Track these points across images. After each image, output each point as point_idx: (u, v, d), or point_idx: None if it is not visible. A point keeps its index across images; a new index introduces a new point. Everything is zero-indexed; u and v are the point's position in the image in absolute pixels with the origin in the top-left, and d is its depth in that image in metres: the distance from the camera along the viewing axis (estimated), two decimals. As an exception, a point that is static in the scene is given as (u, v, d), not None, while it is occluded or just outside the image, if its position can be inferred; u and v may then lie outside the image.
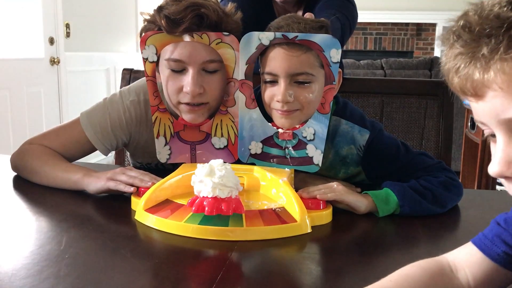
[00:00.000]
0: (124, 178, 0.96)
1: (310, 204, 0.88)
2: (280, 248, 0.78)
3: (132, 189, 0.94)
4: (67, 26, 3.41)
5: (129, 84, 1.57)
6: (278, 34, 0.94)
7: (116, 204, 0.97)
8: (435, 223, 0.91)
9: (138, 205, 0.88)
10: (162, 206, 0.88)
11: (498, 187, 3.48)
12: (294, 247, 0.80)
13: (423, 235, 0.86)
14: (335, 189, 0.92)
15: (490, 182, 2.38)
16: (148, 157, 1.20)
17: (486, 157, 2.39)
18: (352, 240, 0.84)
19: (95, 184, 0.98)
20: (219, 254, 0.75)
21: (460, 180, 1.01)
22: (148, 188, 0.92)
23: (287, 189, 0.89)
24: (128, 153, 1.45)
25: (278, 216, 0.84)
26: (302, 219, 0.82)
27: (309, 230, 0.83)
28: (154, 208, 0.87)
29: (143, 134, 1.16)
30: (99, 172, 1.01)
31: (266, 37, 0.95)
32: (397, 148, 1.03)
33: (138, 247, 0.78)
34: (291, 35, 0.93)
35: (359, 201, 0.91)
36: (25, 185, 1.08)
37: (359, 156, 1.03)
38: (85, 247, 0.76)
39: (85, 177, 1.00)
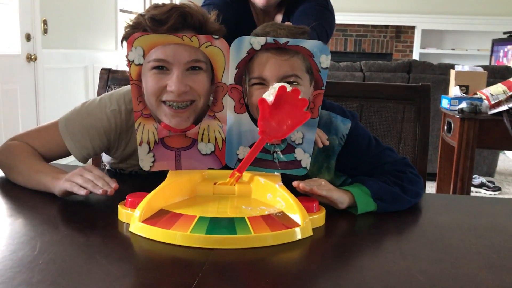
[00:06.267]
0: (79, 181, 0.94)
1: (304, 207, 0.88)
2: (276, 252, 0.78)
3: (85, 192, 0.92)
4: (45, 22, 3.35)
5: (107, 84, 1.56)
6: (270, 39, 0.94)
7: (93, 208, 0.96)
8: (409, 228, 0.92)
9: (131, 217, 0.84)
10: (159, 216, 0.85)
11: (473, 189, 3.55)
12: (292, 251, 0.80)
13: (396, 240, 0.87)
14: (324, 186, 0.94)
15: (466, 186, 2.43)
16: (125, 164, 1.20)
17: (462, 160, 2.43)
18: (346, 243, 0.85)
19: (58, 186, 0.97)
20: (195, 261, 0.74)
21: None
22: (101, 193, 0.91)
23: (285, 193, 0.90)
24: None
25: (280, 221, 0.84)
26: (306, 223, 0.83)
27: (311, 234, 0.84)
28: (151, 220, 0.83)
29: (121, 143, 1.16)
30: (66, 173, 0.99)
31: (257, 41, 0.95)
32: (369, 139, 1.09)
33: (114, 253, 0.77)
34: (282, 40, 0.94)
35: (342, 198, 0.94)
36: (1, 187, 1.06)
37: (340, 146, 1.06)
38: (59, 252, 0.75)
39: (53, 180, 0.99)
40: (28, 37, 3.19)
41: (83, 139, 1.11)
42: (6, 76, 3.01)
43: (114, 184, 0.93)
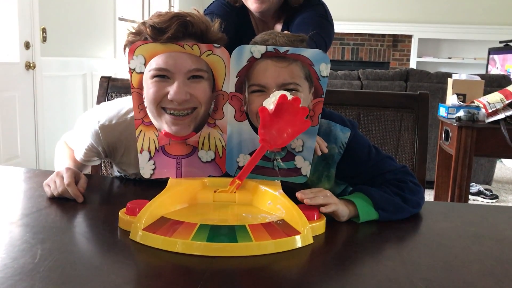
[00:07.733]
0: (51, 185, 1.04)
1: (304, 215, 0.88)
2: (276, 259, 0.78)
3: (48, 194, 1.03)
4: (44, 30, 3.36)
5: (107, 92, 1.56)
6: (270, 48, 0.95)
7: (94, 215, 0.96)
8: (409, 236, 0.93)
9: (132, 224, 0.84)
10: (159, 224, 0.85)
11: (470, 197, 3.56)
12: (293, 258, 0.80)
13: (396, 248, 0.88)
14: (330, 198, 0.94)
15: (463, 193, 2.43)
16: (122, 170, 1.23)
17: (460, 168, 2.43)
18: (346, 251, 0.86)
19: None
20: (196, 268, 0.74)
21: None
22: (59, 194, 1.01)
23: (285, 201, 0.90)
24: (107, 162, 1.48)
25: (281, 228, 0.84)
26: (306, 230, 0.84)
27: (312, 241, 0.84)
28: (151, 227, 0.83)
29: (117, 153, 1.19)
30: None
31: (257, 50, 0.96)
32: (369, 147, 1.09)
33: (115, 260, 0.77)
34: (282, 49, 0.94)
35: (345, 211, 0.94)
36: (1, 194, 1.06)
37: (340, 155, 1.06)
38: (60, 260, 0.75)
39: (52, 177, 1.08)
40: (27, 45, 3.19)
41: (79, 143, 1.21)
42: (5, 84, 3.01)
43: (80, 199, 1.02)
